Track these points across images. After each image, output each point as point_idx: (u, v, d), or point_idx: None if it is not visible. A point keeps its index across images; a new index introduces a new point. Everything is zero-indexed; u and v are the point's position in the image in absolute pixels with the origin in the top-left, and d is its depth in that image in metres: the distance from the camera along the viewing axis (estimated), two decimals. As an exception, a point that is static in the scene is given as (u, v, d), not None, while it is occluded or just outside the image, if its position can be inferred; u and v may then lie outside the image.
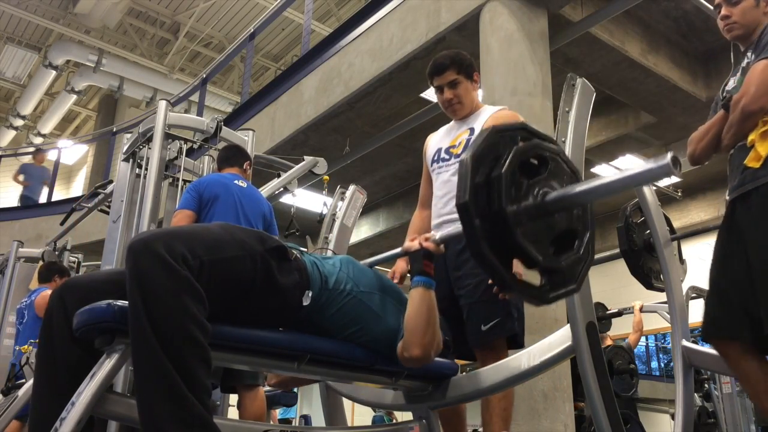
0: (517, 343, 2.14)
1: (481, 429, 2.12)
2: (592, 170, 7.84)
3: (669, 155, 1.00)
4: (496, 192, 1.09)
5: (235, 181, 2.95)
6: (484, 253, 1.09)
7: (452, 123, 2.42)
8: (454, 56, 2.30)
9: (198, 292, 1.24)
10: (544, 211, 1.14)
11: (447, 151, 2.33)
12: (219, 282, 1.32)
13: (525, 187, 1.13)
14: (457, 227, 1.58)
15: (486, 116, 2.30)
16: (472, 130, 2.28)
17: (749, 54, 1.94)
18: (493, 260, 1.09)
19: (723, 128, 1.88)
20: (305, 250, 1.63)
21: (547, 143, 1.22)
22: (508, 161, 1.11)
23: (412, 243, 1.56)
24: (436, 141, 2.43)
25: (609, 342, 5.37)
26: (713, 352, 2.06)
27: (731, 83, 2.00)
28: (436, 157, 2.36)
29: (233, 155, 3.14)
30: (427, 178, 2.46)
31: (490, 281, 2.04)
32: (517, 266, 1.15)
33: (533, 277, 1.20)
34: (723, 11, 2.00)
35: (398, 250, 1.69)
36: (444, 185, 2.28)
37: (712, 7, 2.13)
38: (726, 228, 1.91)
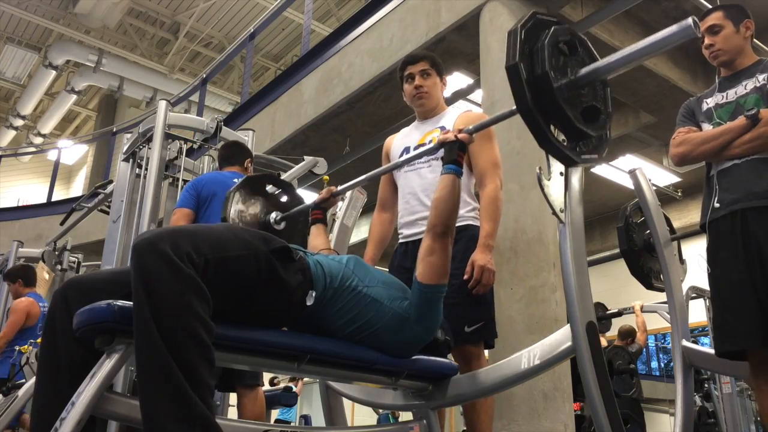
0: (489, 345, 2.24)
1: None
2: (592, 170, 7.85)
3: (690, 19, 1.12)
4: (540, 60, 1.27)
5: (235, 180, 2.94)
6: (530, 106, 1.25)
7: (416, 123, 2.45)
8: (429, 53, 2.47)
9: (203, 291, 1.24)
10: (576, 84, 1.31)
11: (416, 149, 2.33)
12: (223, 281, 1.32)
13: (561, 62, 1.31)
14: (485, 121, 1.83)
15: (454, 116, 2.33)
16: (443, 128, 2.29)
17: (759, 76, 2.06)
18: (537, 114, 1.25)
19: (736, 137, 1.98)
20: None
21: (577, 32, 1.41)
22: (549, 35, 1.30)
23: (447, 135, 1.74)
24: (399, 141, 2.45)
25: (603, 342, 5.38)
26: (713, 352, 2.07)
27: (731, 96, 2.07)
28: (404, 156, 2.36)
29: (234, 154, 3.13)
30: (388, 179, 2.47)
31: (470, 285, 2.08)
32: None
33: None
34: (706, 41, 2.16)
35: (431, 145, 1.85)
36: (419, 181, 2.27)
37: (711, 8, 2.19)
38: (740, 239, 1.95)
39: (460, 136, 1.71)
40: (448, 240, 1.68)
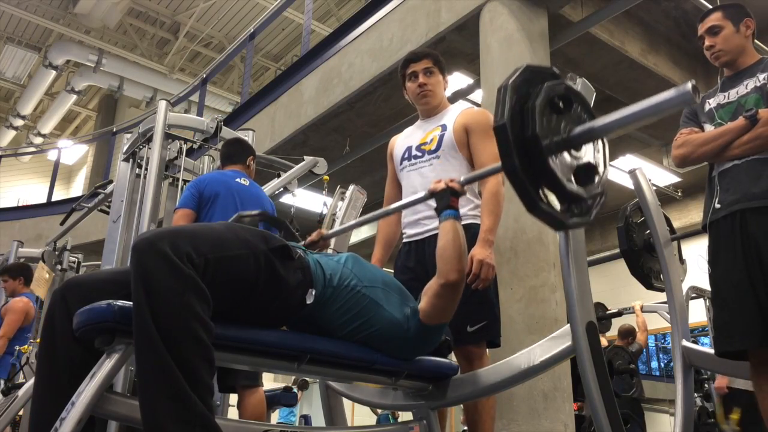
0: (495, 344, 2.20)
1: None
2: (592, 170, 7.83)
3: (689, 83, 1.05)
4: (530, 120, 1.19)
5: (237, 179, 2.94)
6: (517, 170, 1.18)
7: (418, 122, 2.44)
8: (432, 51, 2.48)
9: (203, 291, 1.24)
10: (569, 143, 1.24)
11: (418, 148, 2.33)
12: (223, 280, 1.32)
13: (554, 121, 1.24)
14: (480, 171, 1.82)
15: (456, 113, 2.32)
16: (444, 126, 2.29)
17: (760, 76, 2.04)
18: (525, 179, 1.18)
19: (735, 138, 1.98)
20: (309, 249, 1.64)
21: (572, 86, 1.33)
22: (542, 93, 1.22)
23: (437, 184, 1.69)
24: (402, 140, 2.45)
25: (603, 342, 5.38)
26: (713, 351, 2.07)
27: (732, 96, 2.07)
28: (406, 155, 2.36)
29: (236, 152, 3.12)
30: (393, 179, 2.47)
31: (469, 280, 2.07)
32: None
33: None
34: (707, 42, 2.16)
35: (422, 193, 1.77)
36: (421, 180, 2.27)
37: (710, 9, 2.19)
38: (740, 239, 1.95)
39: (450, 184, 1.67)
40: (458, 288, 1.63)
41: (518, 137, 1.18)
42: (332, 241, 2.76)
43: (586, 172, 1.28)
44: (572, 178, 1.24)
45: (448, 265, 1.61)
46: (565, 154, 1.23)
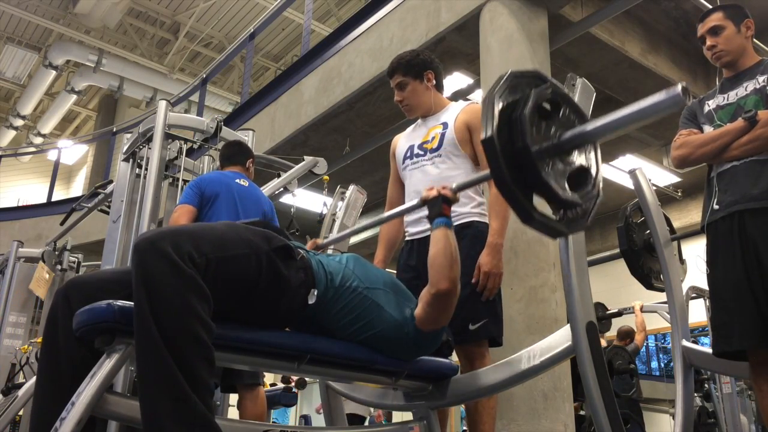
0: (497, 343, 2.19)
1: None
2: (592, 170, 7.83)
3: (679, 85, 1.03)
4: (518, 130, 1.16)
5: (237, 180, 2.94)
6: (508, 184, 1.14)
7: (419, 121, 2.43)
8: (402, 58, 2.34)
9: (203, 291, 1.24)
10: (560, 149, 1.21)
11: (420, 147, 2.32)
12: (225, 280, 1.32)
13: (543, 127, 1.20)
14: (474, 177, 1.78)
15: (457, 110, 2.31)
16: (445, 124, 2.28)
17: (760, 78, 2.04)
18: (517, 192, 1.15)
19: (734, 139, 1.98)
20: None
21: (560, 88, 1.29)
22: (529, 101, 1.18)
23: (429, 192, 1.67)
24: (404, 140, 2.44)
25: (603, 342, 5.38)
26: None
27: (732, 98, 2.07)
28: (408, 154, 2.36)
29: (235, 153, 3.13)
30: (396, 178, 2.47)
31: (478, 289, 2.08)
32: None
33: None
34: (708, 42, 2.15)
35: (414, 201, 1.76)
36: (423, 178, 2.27)
37: (711, 9, 2.19)
38: (738, 240, 1.95)
39: (443, 191, 1.66)
40: (449, 296, 1.61)
41: (507, 150, 1.15)
42: (332, 242, 2.76)
43: (580, 176, 1.25)
44: (566, 184, 1.21)
45: (439, 274, 1.60)
46: (557, 160, 1.20)
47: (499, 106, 1.17)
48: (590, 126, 1.21)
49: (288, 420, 8.83)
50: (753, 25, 2.15)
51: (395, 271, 2.47)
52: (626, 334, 5.81)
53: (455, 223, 2.15)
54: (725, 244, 1.99)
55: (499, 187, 1.17)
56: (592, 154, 1.29)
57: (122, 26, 12.35)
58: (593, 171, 1.28)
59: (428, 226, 2.22)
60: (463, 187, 1.72)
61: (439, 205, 1.66)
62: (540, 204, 1.19)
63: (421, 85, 2.33)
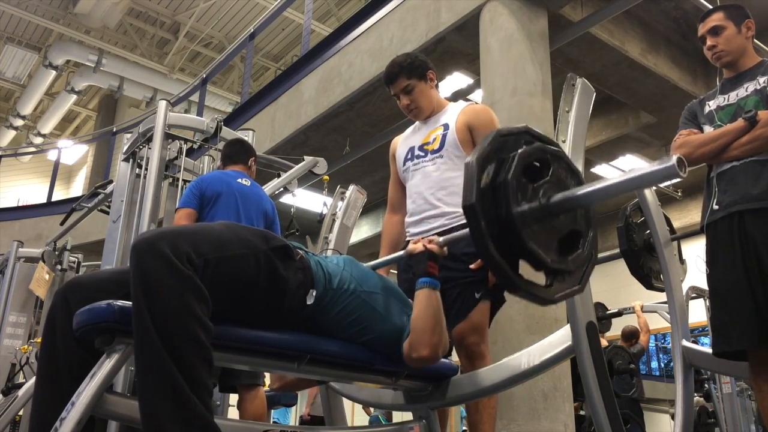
0: (501, 301, 2.19)
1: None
2: (592, 170, 7.84)
3: (674, 157, 0.99)
4: (503, 196, 1.10)
5: (238, 179, 2.94)
6: (491, 254, 1.09)
7: (418, 122, 2.42)
8: (402, 62, 2.31)
9: (201, 291, 1.24)
10: (549, 213, 1.14)
11: (421, 148, 2.32)
12: (223, 281, 1.32)
13: (530, 190, 1.14)
14: (461, 232, 1.65)
15: (457, 111, 2.30)
16: (446, 126, 2.28)
17: (760, 79, 2.05)
18: (501, 262, 1.10)
19: (734, 139, 1.98)
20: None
21: (549, 146, 1.23)
22: (514, 165, 1.12)
23: (415, 246, 1.61)
24: (404, 141, 2.43)
25: (603, 342, 5.37)
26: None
27: (732, 98, 2.07)
28: (409, 156, 2.36)
29: (237, 152, 3.12)
30: (397, 180, 2.46)
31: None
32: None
33: (538, 278, 1.19)
34: (708, 42, 2.15)
35: (400, 253, 1.69)
36: (424, 180, 2.27)
37: (711, 9, 2.19)
38: (738, 241, 1.95)
39: (429, 246, 1.59)
40: (430, 362, 1.57)
41: (491, 217, 1.10)
42: (332, 242, 2.76)
43: (570, 239, 1.18)
44: (555, 249, 1.15)
45: (420, 339, 1.54)
46: (545, 224, 1.14)
47: (480, 172, 1.11)
48: (581, 191, 1.14)
49: (288, 420, 8.82)
50: (753, 26, 2.14)
51: (395, 272, 2.47)
52: (631, 335, 5.80)
53: (455, 224, 2.15)
54: (725, 244, 1.99)
55: (482, 256, 1.11)
56: (585, 214, 1.22)
57: (122, 26, 12.35)
58: (585, 234, 1.21)
59: (430, 226, 2.23)
60: (450, 241, 1.64)
61: (424, 263, 1.57)
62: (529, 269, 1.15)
63: (426, 85, 2.32)
